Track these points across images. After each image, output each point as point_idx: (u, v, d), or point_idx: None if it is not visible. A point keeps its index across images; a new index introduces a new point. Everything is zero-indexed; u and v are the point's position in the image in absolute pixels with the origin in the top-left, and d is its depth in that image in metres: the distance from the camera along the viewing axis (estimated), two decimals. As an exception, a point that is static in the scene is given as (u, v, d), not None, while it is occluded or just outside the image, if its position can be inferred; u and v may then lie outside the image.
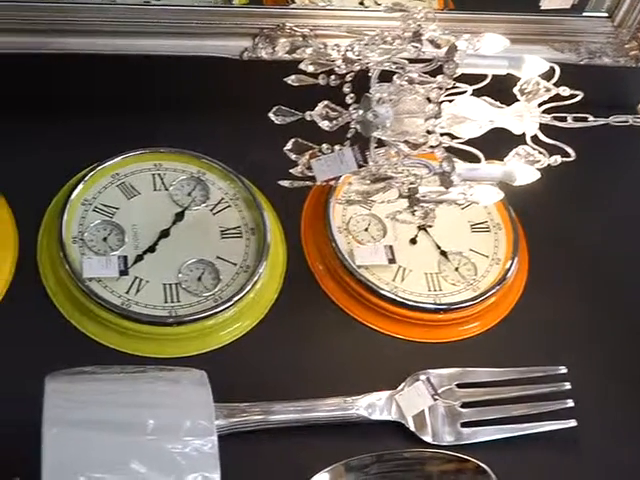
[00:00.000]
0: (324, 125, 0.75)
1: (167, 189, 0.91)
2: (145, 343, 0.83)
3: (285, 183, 0.80)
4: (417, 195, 0.77)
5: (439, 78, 0.74)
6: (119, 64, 0.90)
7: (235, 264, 0.87)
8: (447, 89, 0.76)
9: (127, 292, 0.84)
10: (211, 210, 0.91)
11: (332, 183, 0.81)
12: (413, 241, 0.92)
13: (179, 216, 0.89)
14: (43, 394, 0.66)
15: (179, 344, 0.83)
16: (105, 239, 0.87)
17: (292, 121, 0.79)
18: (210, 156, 0.93)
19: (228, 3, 0.93)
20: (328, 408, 0.80)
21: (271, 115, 0.77)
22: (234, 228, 0.90)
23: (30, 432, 0.69)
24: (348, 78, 0.75)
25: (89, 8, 0.88)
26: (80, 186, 0.88)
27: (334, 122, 0.75)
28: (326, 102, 0.74)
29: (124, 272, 0.85)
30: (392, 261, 0.90)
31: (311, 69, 0.74)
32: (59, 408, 0.63)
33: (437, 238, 0.93)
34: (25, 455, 0.65)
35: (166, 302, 0.84)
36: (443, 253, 0.92)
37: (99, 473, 0.61)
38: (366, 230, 0.92)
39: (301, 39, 0.88)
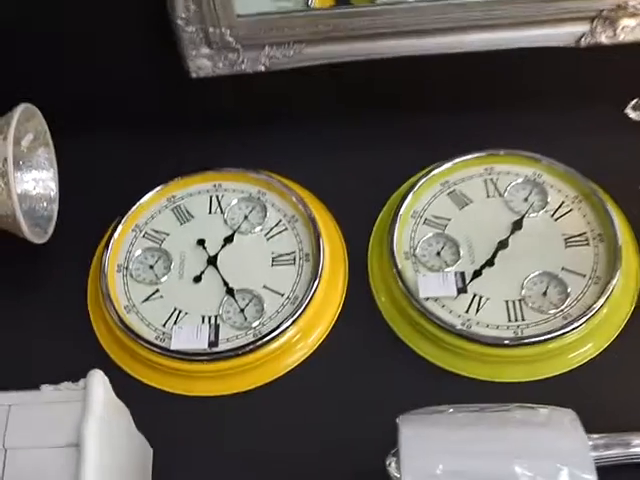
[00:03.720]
0: None
1: (502, 195, 0.84)
2: (485, 366, 0.76)
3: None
4: None
5: None
6: (442, 62, 0.84)
7: (584, 275, 0.78)
8: None
9: (467, 311, 0.77)
10: (552, 216, 0.82)
11: None
12: None
13: (517, 224, 0.81)
14: (397, 434, 0.61)
15: (522, 367, 0.75)
16: (438, 253, 0.81)
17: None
18: (547, 155, 0.84)
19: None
20: None
21: (629, 111, 0.67)
22: (579, 235, 0.80)
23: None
24: None
25: (406, 9, 0.82)
26: (409, 197, 0.83)
27: None
28: None
29: (462, 290, 0.78)
30: None
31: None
32: (417, 460, 0.57)
33: None
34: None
35: (510, 321, 0.76)
36: None
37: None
38: None
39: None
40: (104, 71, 0.86)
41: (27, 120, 0.81)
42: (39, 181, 0.84)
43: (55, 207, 0.84)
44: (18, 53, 0.85)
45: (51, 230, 0.83)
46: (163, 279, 0.82)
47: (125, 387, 0.76)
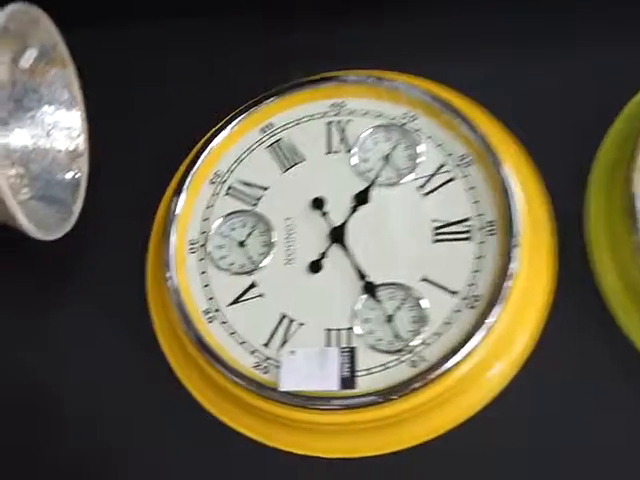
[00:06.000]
0: None
1: None
2: None
3: None
4: None
5: None
6: None
7: None
8: None
9: None
10: None
11: None
12: None
13: None
14: None
15: None
16: None
17: None
18: None
19: None
20: None
21: None
22: None
23: None
24: None
25: None
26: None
27: None
28: None
29: None
30: None
31: None
32: None
33: None
34: None
35: None
36: None
37: None
38: None
39: None
40: None
41: (29, 27, 0.50)
42: (56, 124, 0.53)
43: (84, 163, 0.53)
44: None
45: (78, 208, 0.52)
46: (262, 264, 0.52)
47: (210, 434, 0.51)
